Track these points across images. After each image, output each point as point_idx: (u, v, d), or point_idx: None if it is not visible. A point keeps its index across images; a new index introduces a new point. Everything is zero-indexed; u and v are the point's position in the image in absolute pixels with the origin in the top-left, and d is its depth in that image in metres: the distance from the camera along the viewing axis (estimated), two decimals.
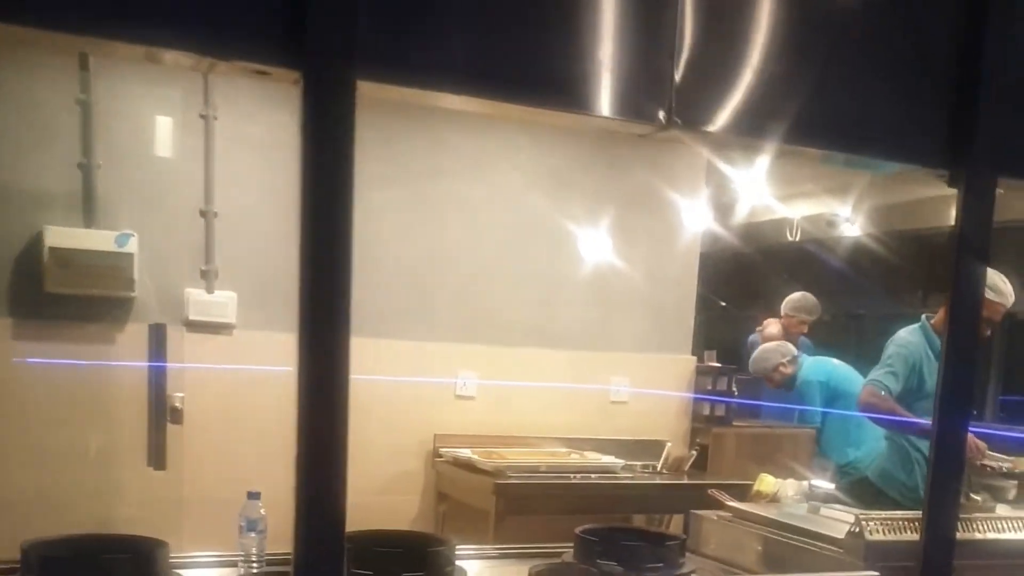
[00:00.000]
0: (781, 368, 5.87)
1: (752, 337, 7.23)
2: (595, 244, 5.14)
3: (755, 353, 6.13)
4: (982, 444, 4.25)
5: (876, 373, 4.50)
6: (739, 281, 8.61)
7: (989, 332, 4.50)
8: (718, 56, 1.93)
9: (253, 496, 2.69)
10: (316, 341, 1.53)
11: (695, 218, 5.53)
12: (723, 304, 9.38)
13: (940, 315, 4.38)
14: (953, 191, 2.22)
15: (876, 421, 4.62)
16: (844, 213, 6.72)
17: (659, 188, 5.30)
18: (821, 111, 2.05)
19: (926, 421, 4.32)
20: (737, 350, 7.38)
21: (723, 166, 6.36)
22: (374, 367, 4.61)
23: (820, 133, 2.09)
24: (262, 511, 2.67)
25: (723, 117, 1.95)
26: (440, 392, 4.95)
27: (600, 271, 5.18)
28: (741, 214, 7.37)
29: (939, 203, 6.03)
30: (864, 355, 5.49)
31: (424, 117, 4.63)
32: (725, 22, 1.95)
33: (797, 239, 7.38)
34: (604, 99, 1.82)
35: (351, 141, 1.52)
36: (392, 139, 4.62)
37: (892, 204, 6.61)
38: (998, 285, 4.26)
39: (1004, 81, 2.23)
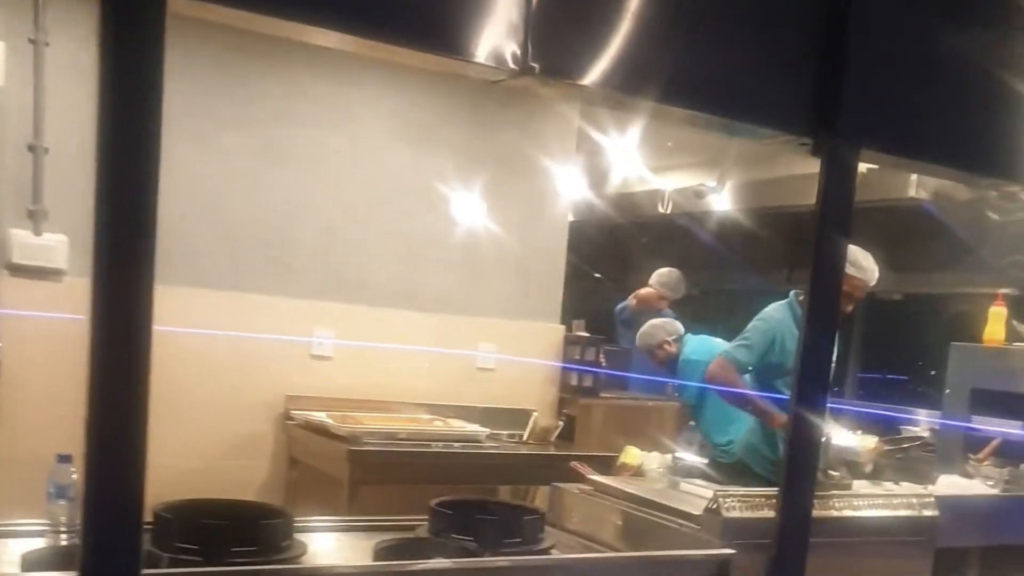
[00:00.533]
0: (666, 346, 5.81)
1: (622, 305, 7.21)
2: (462, 204, 5.03)
3: (643, 327, 6.07)
4: None
5: (730, 346, 4.51)
6: (611, 252, 8.56)
7: (850, 308, 4.50)
8: (579, 3, 1.84)
9: (63, 459, 2.48)
10: (112, 288, 1.35)
11: (565, 185, 5.46)
12: (596, 275, 9.37)
13: None
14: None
15: (720, 394, 4.60)
16: (712, 184, 6.71)
17: (530, 151, 5.22)
18: (687, 70, 1.99)
19: (770, 395, 4.36)
20: (607, 321, 7.34)
21: (594, 133, 6.33)
22: (221, 321, 4.45)
23: (685, 93, 2.02)
24: (74, 476, 2.46)
25: (583, 67, 1.87)
26: (294, 351, 4.74)
27: (468, 233, 5.07)
28: (613, 184, 7.36)
29: (806, 181, 6.02)
30: (734, 330, 5.49)
31: (280, 60, 4.50)
32: None
33: (668, 212, 7.35)
34: (453, 38, 1.72)
35: (158, 64, 1.35)
36: (244, 80, 4.46)
37: (761, 180, 6.62)
38: (860, 261, 4.26)
39: (869, 53, 2.19)
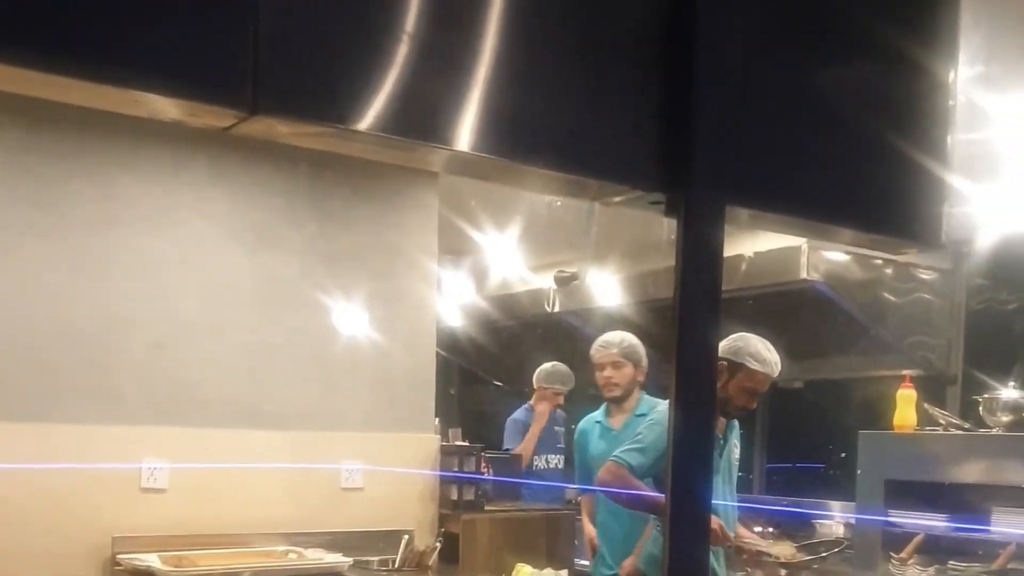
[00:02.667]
0: None
1: (515, 415, 6.93)
2: (313, 310, 4.59)
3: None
4: (717, 526, 3.88)
5: (621, 449, 4.07)
6: (496, 354, 8.40)
7: (755, 405, 4.17)
8: (326, 28, 1.46)
9: None
10: None
11: (431, 285, 5.08)
12: (497, 383, 9.16)
13: None
14: None
15: (615, 499, 4.16)
16: (571, 271, 6.51)
17: (387, 249, 4.85)
18: (496, 114, 1.59)
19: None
20: (494, 426, 7.09)
21: (471, 231, 6.05)
22: (32, 456, 3.91)
23: (493, 140, 1.62)
24: None
25: (336, 105, 1.47)
26: (121, 485, 4.19)
27: (321, 341, 4.64)
28: (496, 284, 7.16)
29: None
30: None
31: (92, 161, 4.12)
32: None
33: (555, 310, 7.15)
34: (167, 78, 1.35)
35: None
36: (49, 184, 4.04)
37: (648, 272, 6.45)
38: (762, 354, 3.95)
39: (727, 96, 1.82)
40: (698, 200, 1.81)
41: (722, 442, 4.10)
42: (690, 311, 1.85)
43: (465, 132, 1.59)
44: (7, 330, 4.00)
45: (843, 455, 6.71)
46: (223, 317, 4.47)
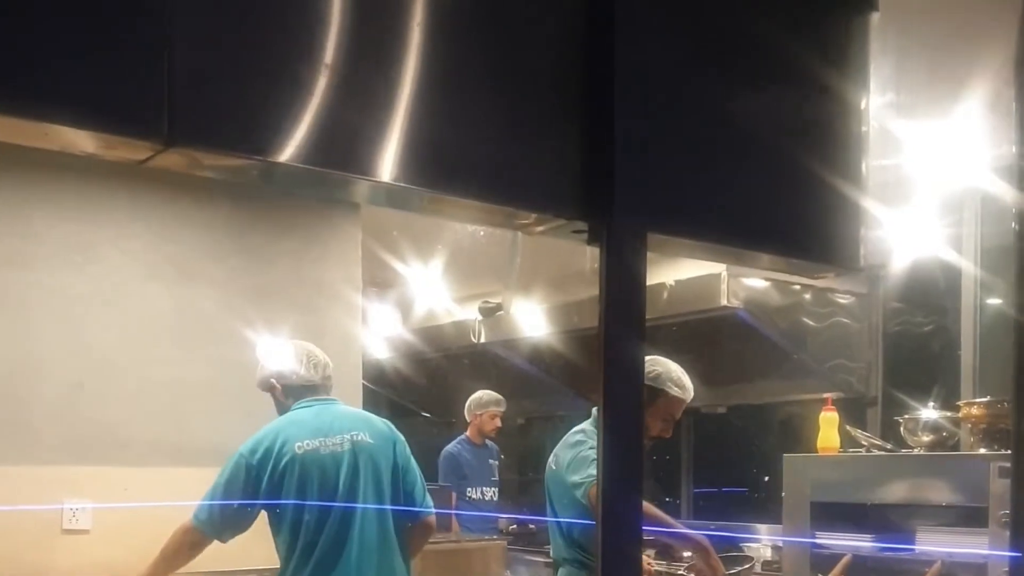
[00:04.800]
0: None
1: (448, 448, 6.93)
2: (237, 345, 4.50)
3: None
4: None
5: (593, 470, 3.72)
6: (427, 388, 8.36)
7: (670, 432, 4.12)
8: (249, 65, 1.46)
9: None
10: None
11: (355, 317, 5.04)
12: (425, 414, 9.11)
13: None
14: None
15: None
16: (495, 301, 6.50)
17: (311, 284, 4.80)
18: (413, 141, 1.60)
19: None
20: (426, 459, 7.02)
21: (394, 262, 6.03)
22: None
23: (412, 169, 1.63)
24: None
25: (255, 136, 1.46)
26: (42, 526, 4.08)
27: (245, 376, 4.51)
28: (420, 316, 7.14)
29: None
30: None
31: (7, 199, 4.03)
32: (255, 19, 1.48)
33: (481, 341, 7.14)
34: (79, 109, 1.33)
35: None
36: None
37: (574, 301, 6.47)
38: (683, 380, 3.91)
39: (647, 122, 1.84)
40: (620, 228, 1.82)
41: None
42: (616, 338, 1.86)
43: (386, 162, 1.60)
44: None
45: (766, 478, 6.74)
46: (144, 354, 4.38)
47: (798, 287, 5.40)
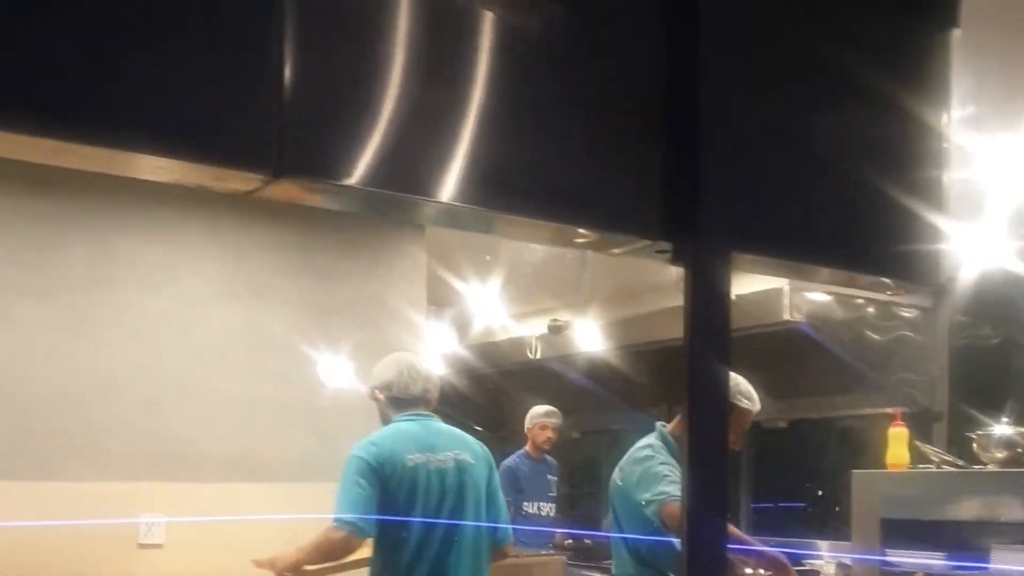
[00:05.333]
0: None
1: (507, 463, 6.91)
2: (306, 362, 4.58)
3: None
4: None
5: (668, 488, 3.75)
6: (486, 403, 8.37)
7: (741, 445, 4.10)
8: (347, 93, 1.48)
9: None
10: None
11: (421, 337, 5.07)
12: (476, 428, 9.13)
13: (676, 421, 3.97)
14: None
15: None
16: (565, 319, 6.50)
17: (377, 303, 4.86)
18: (503, 168, 1.62)
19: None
20: None
21: (452, 280, 6.06)
22: (29, 515, 3.89)
23: (502, 195, 1.65)
24: None
25: (355, 166, 1.48)
26: (119, 541, 4.16)
27: (312, 393, 4.62)
28: (477, 334, 7.17)
29: (674, 315, 5.89)
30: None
31: (85, 222, 4.15)
32: (352, 53, 1.49)
33: (537, 356, 7.15)
34: (185, 142, 1.36)
35: None
36: (42, 246, 4.07)
37: (630, 316, 6.46)
38: (751, 393, 3.90)
39: (728, 141, 1.85)
40: (705, 248, 1.83)
41: None
42: (701, 358, 1.87)
43: (479, 189, 1.62)
44: (4, 391, 4.00)
45: (820, 493, 6.69)
46: (216, 371, 4.46)
47: (861, 301, 5.36)
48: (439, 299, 6.01)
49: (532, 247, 6.27)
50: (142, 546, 4.24)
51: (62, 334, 4.13)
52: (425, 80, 1.54)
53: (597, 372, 6.81)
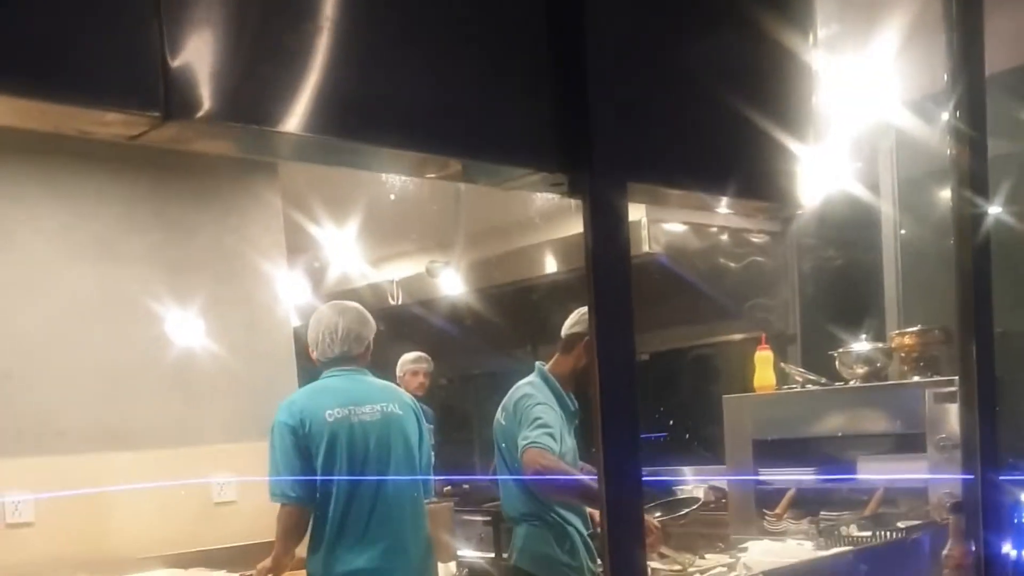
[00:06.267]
0: None
1: None
2: (165, 322, 4.40)
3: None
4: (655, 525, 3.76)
5: (532, 433, 3.72)
6: None
7: None
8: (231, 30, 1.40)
9: None
10: None
11: (284, 287, 4.94)
12: None
13: (555, 360, 3.97)
14: (553, 235, 1.80)
15: (549, 490, 3.79)
16: (443, 261, 6.45)
17: (234, 253, 4.69)
18: (387, 99, 1.57)
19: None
20: None
21: (308, 226, 5.94)
22: None
23: (391, 127, 1.60)
24: None
25: (252, 107, 1.41)
26: None
27: (176, 353, 4.44)
28: (334, 281, 7.05)
29: (535, 251, 5.91)
30: (484, 417, 5.09)
31: None
32: None
33: (399, 302, 7.08)
34: (64, 82, 1.27)
35: None
36: None
37: (489, 258, 6.44)
38: None
39: (617, 71, 1.83)
40: (601, 180, 1.81)
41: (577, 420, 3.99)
42: (604, 287, 1.86)
43: (371, 124, 1.57)
44: None
45: (671, 422, 6.83)
46: (72, 337, 4.25)
47: (715, 230, 5.43)
48: (296, 247, 5.87)
49: (393, 189, 6.15)
50: (10, 525, 4.05)
51: None
52: (331, 8, 1.48)
53: (459, 316, 6.79)
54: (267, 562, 3.83)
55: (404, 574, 3.83)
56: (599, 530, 3.90)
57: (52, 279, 4.22)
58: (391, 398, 3.91)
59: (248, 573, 4.10)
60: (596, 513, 3.93)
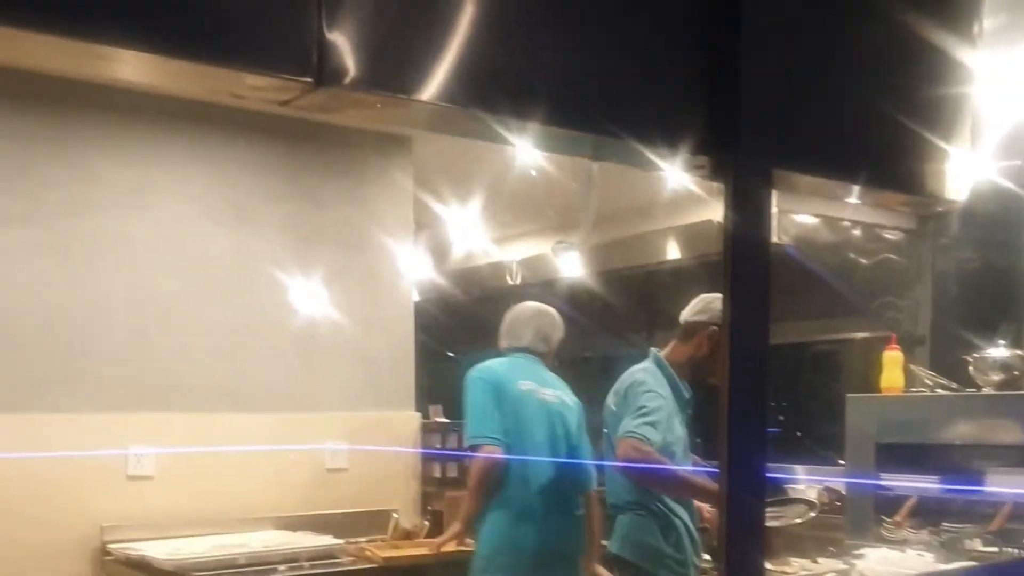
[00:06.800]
0: None
1: None
2: (291, 289, 4.49)
3: None
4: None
5: (632, 423, 3.63)
6: (460, 329, 8.28)
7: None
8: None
9: None
10: None
11: (408, 261, 4.98)
12: (449, 354, 9.02)
13: (671, 347, 3.90)
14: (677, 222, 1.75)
15: (641, 479, 3.71)
16: (570, 241, 6.40)
17: (363, 226, 4.75)
18: (539, 78, 1.56)
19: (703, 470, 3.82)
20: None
21: (434, 204, 5.95)
22: (16, 446, 3.80)
23: (538, 105, 1.58)
24: None
25: (399, 76, 1.41)
26: (107, 473, 4.07)
27: (300, 320, 4.53)
28: (456, 258, 7.07)
29: (657, 237, 5.84)
30: (596, 400, 5.04)
31: (65, 143, 4.01)
32: None
33: (518, 282, 7.07)
34: (221, 46, 1.29)
35: None
36: (22, 169, 3.92)
37: (610, 241, 6.39)
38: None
39: (770, 57, 1.79)
40: (746, 163, 1.77)
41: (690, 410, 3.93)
42: (741, 276, 1.82)
43: (526, 101, 1.56)
44: None
45: (780, 418, 6.61)
46: (202, 299, 4.36)
47: (847, 224, 5.30)
48: (421, 222, 5.90)
49: (523, 169, 6.14)
50: (131, 478, 4.16)
51: (44, 260, 4.00)
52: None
53: (577, 298, 6.74)
54: (456, 525, 3.95)
55: (565, 558, 3.97)
56: (707, 525, 3.89)
57: (188, 241, 4.34)
58: (565, 390, 4.13)
59: (357, 540, 4.16)
60: (704, 507, 3.87)
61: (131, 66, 1.33)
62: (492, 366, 3.99)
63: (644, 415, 3.64)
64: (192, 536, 4.11)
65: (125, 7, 1.20)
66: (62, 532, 3.99)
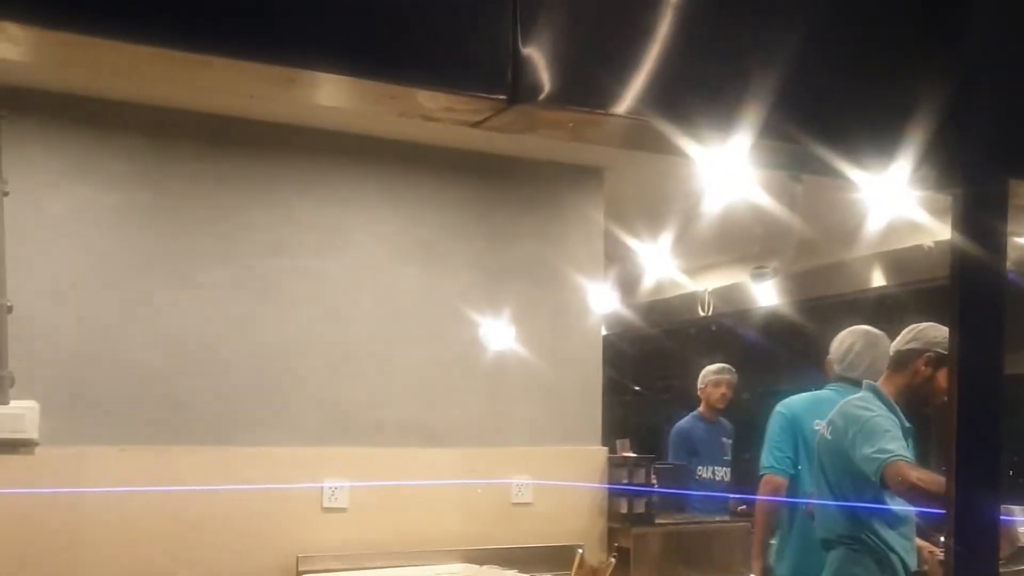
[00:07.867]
0: None
1: (680, 425, 6.71)
2: (481, 325, 4.51)
3: None
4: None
5: (890, 446, 3.46)
6: (649, 362, 8.21)
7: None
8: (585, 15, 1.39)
9: None
10: None
11: (597, 295, 4.91)
12: (635, 388, 8.95)
13: (884, 378, 3.73)
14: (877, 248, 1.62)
15: (920, 499, 3.47)
16: (770, 266, 6.25)
17: (553, 261, 4.72)
18: (746, 91, 1.50)
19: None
20: (653, 437, 6.87)
21: (626, 238, 5.87)
22: (219, 479, 3.92)
23: (752, 119, 1.51)
24: None
25: (600, 91, 1.37)
26: (303, 505, 4.16)
27: (489, 356, 4.54)
28: (646, 290, 6.99)
29: (859, 264, 5.65)
30: None
31: (264, 187, 4.13)
32: None
33: (709, 313, 6.94)
34: (418, 66, 1.29)
35: None
36: (224, 212, 4.06)
37: (806, 270, 6.21)
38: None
39: (993, 63, 1.69)
40: (978, 174, 1.65)
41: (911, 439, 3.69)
42: (970, 296, 1.69)
43: (740, 116, 1.49)
44: (192, 357, 4.03)
45: (1015, 458, 6.27)
46: (394, 337, 4.43)
47: None
48: (611, 255, 5.84)
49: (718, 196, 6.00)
50: (326, 509, 4.23)
51: (245, 299, 4.13)
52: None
53: (770, 328, 6.58)
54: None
55: None
56: (927, 567, 3.66)
57: (381, 280, 4.41)
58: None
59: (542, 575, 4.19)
60: (926, 547, 3.66)
61: (324, 89, 1.34)
62: (795, 404, 4.32)
63: (893, 439, 3.50)
64: (383, 568, 4.16)
65: (318, 30, 1.20)
66: (261, 561, 4.08)
